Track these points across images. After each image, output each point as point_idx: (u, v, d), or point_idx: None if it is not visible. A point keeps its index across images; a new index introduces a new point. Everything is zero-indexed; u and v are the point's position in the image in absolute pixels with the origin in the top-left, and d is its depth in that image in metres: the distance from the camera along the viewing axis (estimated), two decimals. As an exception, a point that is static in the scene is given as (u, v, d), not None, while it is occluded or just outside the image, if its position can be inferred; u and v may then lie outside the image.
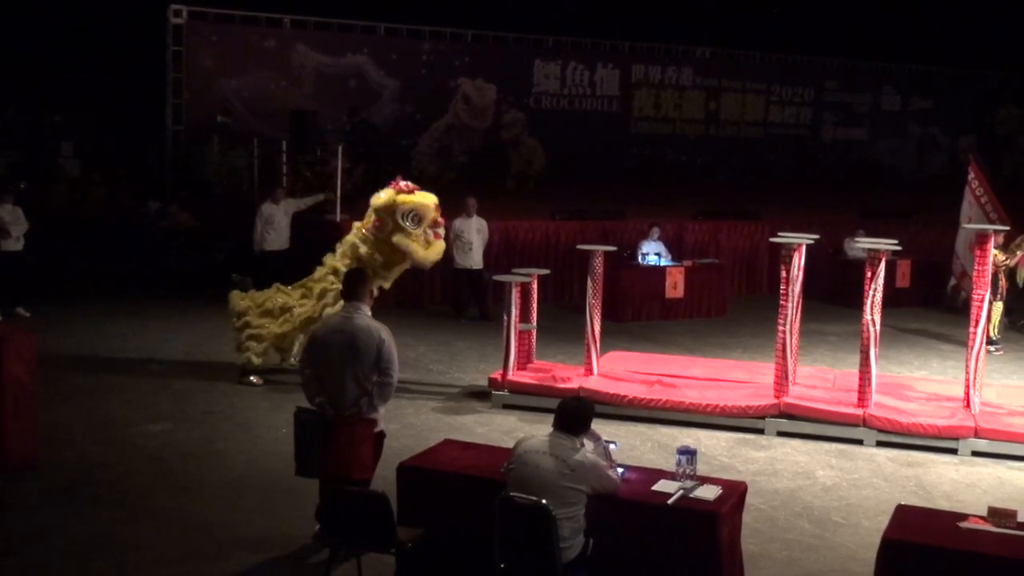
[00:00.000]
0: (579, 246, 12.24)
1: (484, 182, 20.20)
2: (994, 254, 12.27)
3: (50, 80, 21.45)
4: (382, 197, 10.29)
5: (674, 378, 10.83)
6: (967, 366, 9.80)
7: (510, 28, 22.81)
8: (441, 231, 10.50)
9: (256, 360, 10.97)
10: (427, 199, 10.29)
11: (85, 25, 21.06)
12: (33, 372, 8.44)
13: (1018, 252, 13.45)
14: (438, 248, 10.46)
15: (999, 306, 13.43)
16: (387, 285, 10.77)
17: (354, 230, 10.77)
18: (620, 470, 6.20)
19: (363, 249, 10.42)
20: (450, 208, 15.10)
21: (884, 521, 6.07)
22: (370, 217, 10.39)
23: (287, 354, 11.19)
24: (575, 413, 5.90)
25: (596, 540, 5.83)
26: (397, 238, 10.14)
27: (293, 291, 11.10)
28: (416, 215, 10.15)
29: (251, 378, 11.05)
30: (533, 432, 6.42)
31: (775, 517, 7.86)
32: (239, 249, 15.84)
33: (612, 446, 6.38)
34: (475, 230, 14.72)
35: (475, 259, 14.71)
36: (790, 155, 26.45)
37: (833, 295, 16.86)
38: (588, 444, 5.98)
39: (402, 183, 10.37)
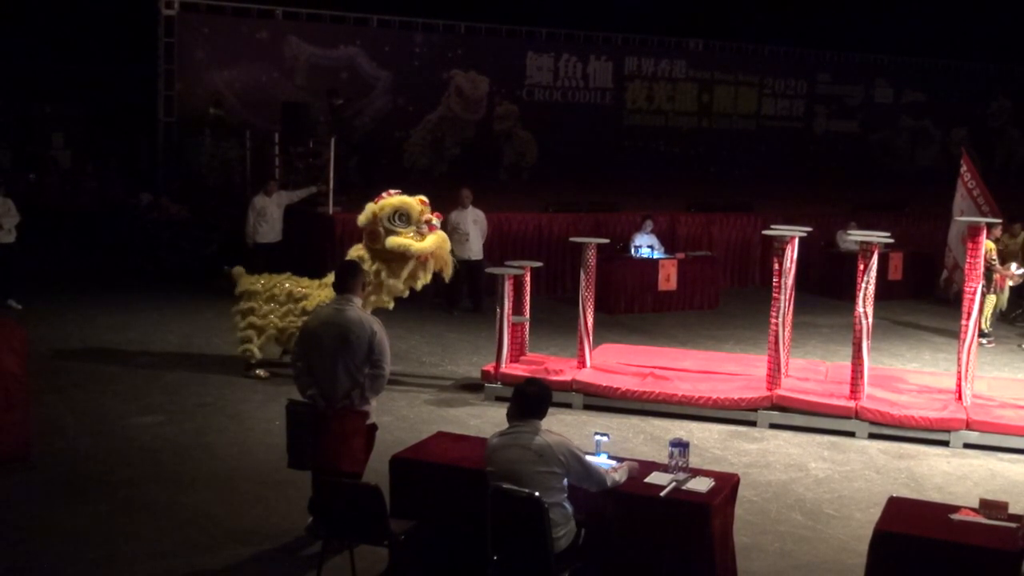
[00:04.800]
0: (572, 238, 12.26)
1: (477, 174, 20.17)
2: (988, 247, 12.32)
3: (41, 71, 21.35)
4: (364, 214, 10.26)
5: (667, 370, 10.84)
6: (959, 358, 9.82)
7: (503, 20, 22.77)
8: (435, 221, 10.35)
9: (257, 353, 10.95)
10: (408, 198, 10.22)
11: (76, 16, 20.96)
12: (24, 364, 8.41)
13: (999, 272, 13.47)
14: (435, 238, 10.29)
15: (991, 298, 13.46)
16: (405, 292, 10.56)
17: (351, 252, 10.57)
18: (613, 462, 6.19)
19: (365, 267, 10.26)
20: (443, 201, 15.12)
21: (876, 513, 6.09)
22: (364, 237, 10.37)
23: (286, 352, 11.12)
24: (530, 397, 5.81)
25: (588, 531, 5.84)
26: (390, 241, 10.03)
27: (301, 282, 11.05)
28: (401, 213, 10.09)
29: (258, 371, 11.03)
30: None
31: (767, 509, 7.88)
32: (231, 241, 15.82)
33: (604, 438, 6.38)
34: (471, 221, 14.68)
35: (473, 250, 14.67)
36: (783, 148, 26.45)
37: (825, 287, 16.89)
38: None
39: (383, 193, 10.34)
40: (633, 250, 15.68)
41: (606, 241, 12.43)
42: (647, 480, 6.06)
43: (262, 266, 12.49)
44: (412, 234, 10.13)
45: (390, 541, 6.03)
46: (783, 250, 9.92)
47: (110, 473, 8.22)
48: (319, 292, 10.76)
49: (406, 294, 10.64)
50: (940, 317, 15.17)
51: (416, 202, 10.20)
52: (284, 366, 10.94)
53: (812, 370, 11.06)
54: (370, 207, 10.27)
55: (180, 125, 19.28)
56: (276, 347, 11.25)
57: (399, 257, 10.16)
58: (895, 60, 27.78)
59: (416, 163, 22.06)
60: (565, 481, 5.70)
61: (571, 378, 10.42)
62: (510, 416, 5.84)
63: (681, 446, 6.21)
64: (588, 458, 5.90)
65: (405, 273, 10.34)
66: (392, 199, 10.20)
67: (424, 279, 10.55)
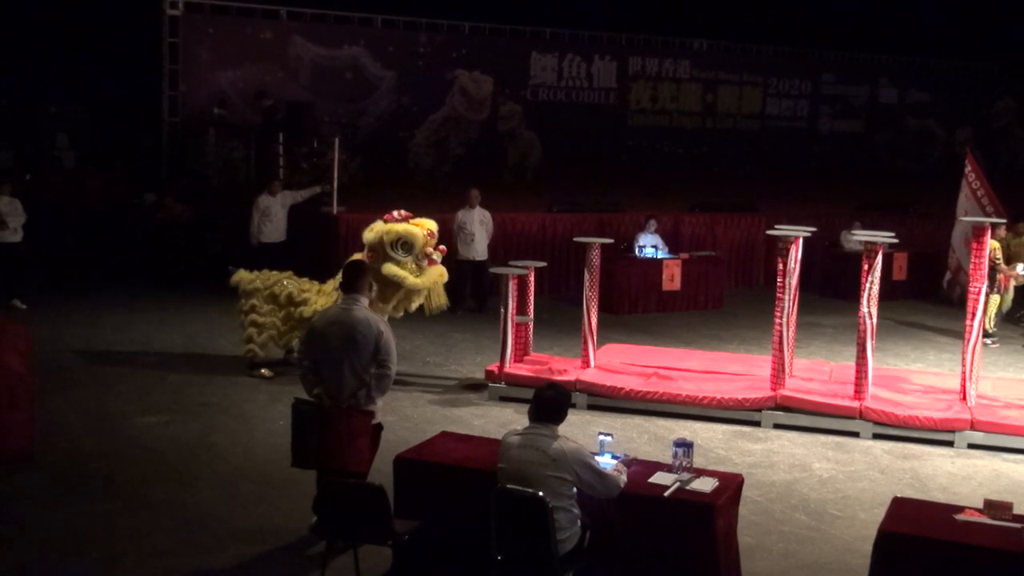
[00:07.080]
0: (576, 238, 12.25)
1: (481, 174, 20.20)
2: (992, 246, 12.29)
3: (45, 71, 21.41)
4: (371, 231, 10.19)
5: (671, 370, 10.83)
6: (963, 359, 9.80)
7: (507, 20, 22.79)
8: (437, 256, 10.30)
9: (260, 352, 10.94)
10: (415, 227, 10.13)
11: (80, 16, 21.01)
12: (29, 363, 8.42)
13: (1004, 271, 13.44)
14: (432, 274, 10.26)
15: (995, 298, 13.43)
16: (396, 315, 10.58)
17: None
18: (614, 461, 6.17)
19: None
20: (447, 201, 15.15)
21: (880, 513, 6.08)
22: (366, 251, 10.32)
23: (290, 352, 11.09)
24: (549, 401, 5.83)
25: (593, 532, 5.83)
26: (386, 268, 9.95)
27: (303, 284, 11.01)
28: (405, 243, 10.02)
29: (262, 370, 11.02)
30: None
31: (771, 509, 7.87)
32: (235, 241, 15.82)
33: (608, 438, 6.37)
34: (477, 221, 14.66)
35: (478, 250, 14.65)
36: (787, 148, 26.46)
37: (829, 288, 16.87)
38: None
39: (395, 212, 10.28)
40: (637, 250, 15.67)
41: (610, 241, 12.43)
42: (651, 480, 6.05)
43: (266, 266, 12.50)
44: (411, 266, 10.10)
45: (394, 541, 6.03)
46: (787, 250, 9.91)
47: (114, 472, 8.23)
48: (318, 299, 10.71)
49: (398, 316, 10.63)
50: (944, 317, 15.14)
51: (422, 234, 10.11)
52: (288, 365, 10.96)
53: (816, 370, 11.04)
54: (379, 227, 10.16)
55: (184, 125, 19.31)
56: (277, 350, 11.23)
57: (392, 284, 10.11)
58: (899, 60, 27.78)
59: (420, 163, 22.09)
60: (574, 488, 5.70)
61: (575, 378, 10.41)
62: (530, 417, 5.85)
63: (685, 446, 6.20)
64: (601, 464, 5.89)
65: (394, 301, 10.33)
66: (399, 226, 10.09)
67: (412, 306, 10.57)
